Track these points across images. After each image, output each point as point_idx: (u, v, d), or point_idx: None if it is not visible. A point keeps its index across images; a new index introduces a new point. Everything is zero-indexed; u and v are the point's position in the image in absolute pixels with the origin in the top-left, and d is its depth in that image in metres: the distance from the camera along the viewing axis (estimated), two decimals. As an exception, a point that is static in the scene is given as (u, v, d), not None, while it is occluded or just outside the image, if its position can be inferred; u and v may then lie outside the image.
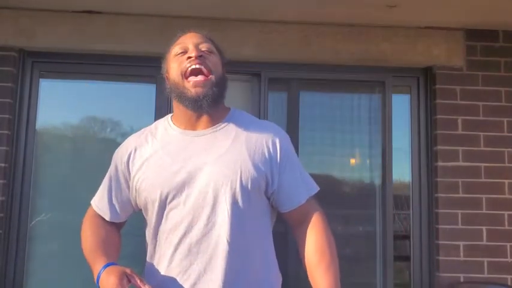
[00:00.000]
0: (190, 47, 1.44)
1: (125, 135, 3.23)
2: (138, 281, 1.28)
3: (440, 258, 2.93)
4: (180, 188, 1.39)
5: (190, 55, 1.41)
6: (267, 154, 1.43)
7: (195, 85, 1.39)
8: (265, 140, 1.45)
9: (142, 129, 1.57)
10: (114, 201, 1.52)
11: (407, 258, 3.16)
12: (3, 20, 2.91)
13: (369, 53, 3.05)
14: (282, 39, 3.02)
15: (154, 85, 3.01)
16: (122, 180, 1.51)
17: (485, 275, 2.91)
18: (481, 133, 3.03)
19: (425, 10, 2.84)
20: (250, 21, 3.00)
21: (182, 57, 1.44)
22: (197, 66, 1.40)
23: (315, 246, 1.41)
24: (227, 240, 1.35)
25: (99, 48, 2.96)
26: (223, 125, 1.47)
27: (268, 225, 1.50)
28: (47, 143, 3.09)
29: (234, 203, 1.37)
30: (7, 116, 2.87)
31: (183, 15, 2.95)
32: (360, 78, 3.14)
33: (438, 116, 3.05)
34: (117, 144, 1.59)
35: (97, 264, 1.36)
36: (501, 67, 3.10)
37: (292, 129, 3.03)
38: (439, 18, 2.97)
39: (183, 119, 1.48)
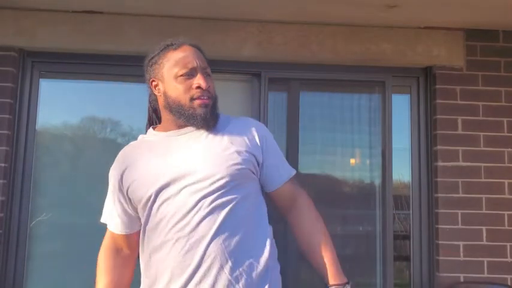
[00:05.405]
0: (198, 74, 1.53)
1: (125, 135, 3.26)
2: None
3: (440, 258, 2.93)
4: (168, 183, 1.45)
5: (201, 86, 1.52)
6: (248, 141, 1.55)
7: (202, 105, 1.52)
8: (244, 130, 1.58)
9: (127, 146, 1.67)
10: (121, 213, 1.60)
11: (407, 258, 3.15)
12: (3, 20, 2.91)
13: (369, 53, 3.05)
14: (282, 39, 3.02)
15: (155, 85, 3.01)
16: (121, 196, 1.59)
17: (485, 275, 2.91)
18: (481, 133, 3.03)
19: (425, 10, 2.84)
20: (250, 21, 3.00)
21: (189, 81, 1.52)
22: (206, 100, 1.53)
23: (310, 229, 1.60)
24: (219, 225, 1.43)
25: (99, 48, 2.96)
26: None
27: (261, 207, 1.59)
28: (47, 143, 3.09)
29: (223, 191, 1.45)
30: (7, 116, 2.87)
31: (184, 15, 2.95)
32: (360, 78, 3.14)
33: (438, 116, 3.05)
34: (117, 144, 1.62)
35: None
36: (501, 67, 3.10)
37: (292, 129, 3.03)
38: (439, 18, 2.97)
39: (170, 126, 1.59)
